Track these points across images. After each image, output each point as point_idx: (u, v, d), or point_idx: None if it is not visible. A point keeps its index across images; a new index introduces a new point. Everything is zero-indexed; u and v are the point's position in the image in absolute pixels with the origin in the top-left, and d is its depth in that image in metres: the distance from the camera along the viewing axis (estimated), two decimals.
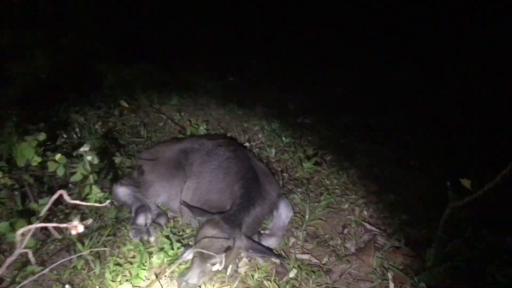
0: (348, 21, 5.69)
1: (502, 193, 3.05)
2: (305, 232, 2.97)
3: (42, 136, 2.20)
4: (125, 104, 4.06)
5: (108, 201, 1.92)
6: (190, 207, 2.88)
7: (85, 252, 2.70)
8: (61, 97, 4.02)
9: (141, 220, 3.00)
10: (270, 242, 2.87)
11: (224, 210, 2.90)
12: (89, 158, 2.14)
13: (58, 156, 2.17)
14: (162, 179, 3.19)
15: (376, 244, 2.81)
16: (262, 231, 2.95)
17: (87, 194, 2.35)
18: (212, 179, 3.08)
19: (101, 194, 2.34)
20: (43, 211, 1.92)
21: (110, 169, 2.98)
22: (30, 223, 2.14)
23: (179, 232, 3.01)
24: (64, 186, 3.04)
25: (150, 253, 2.82)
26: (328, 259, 2.77)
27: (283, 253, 2.83)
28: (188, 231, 3.01)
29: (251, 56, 5.20)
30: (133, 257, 2.83)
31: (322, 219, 3.06)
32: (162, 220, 3.09)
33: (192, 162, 3.23)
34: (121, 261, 2.79)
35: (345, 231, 2.99)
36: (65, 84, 4.05)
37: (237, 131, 4.00)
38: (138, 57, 4.72)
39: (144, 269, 2.72)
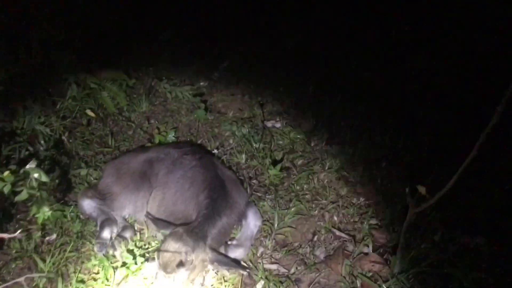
0: (317, 18, 5.64)
1: (469, 191, 3.04)
2: (274, 240, 2.91)
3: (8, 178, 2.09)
4: (91, 114, 3.95)
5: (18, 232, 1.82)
6: (154, 219, 2.81)
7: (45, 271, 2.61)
8: (24, 109, 3.89)
9: (106, 233, 2.91)
10: (238, 253, 2.80)
11: (189, 221, 2.84)
12: (35, 175, 2.05)
13: (6, 174, 2.07)
14: (127, 190, 3.10)
15: (345, 251, 2.76)
16: (229, 242, 2.88)
17: (35, 214, 2.25)
18: (177, 189, 3.00)
19: (50, 212, 2.24)
20: None
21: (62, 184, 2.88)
22: None
23: (144, 245, 2.93)
24: (12, 204, 2.93)
25: (115, 268, 2.75)
26: (297, 268, 2.71)
27: (251, 264, 2.76)
28: (153, 244, 2.93)
29: (220, 59, 5.11)
30: (97, 272, 2.74)
31: (291, 227, 3.00)
32: (127, 233, 3.01)
33: (158, 172, 3.15)
34: (85, 277, 2.71)
35: (315, 238, 2.94)
36: (28, 95, 3.92)
37: (207, 138, 3.92)
38: (104, 64, 4.60)
39: (108, 285, 2.64)
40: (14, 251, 2.77)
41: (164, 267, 2.49)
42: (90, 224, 3.08)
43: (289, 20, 5.66)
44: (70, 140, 3.87)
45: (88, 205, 3.11)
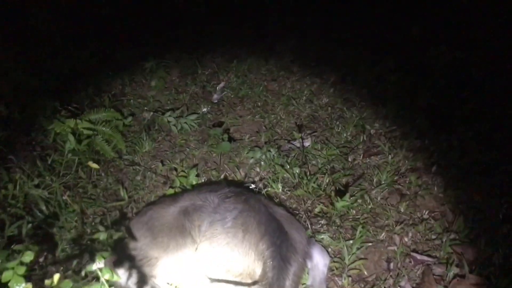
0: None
1: None
2: (349, 278, 2.59)
3: (30, 257, 1.62)
4: (94, 166, 3.44)
5: None
6: (213, 281, 2.41)
7: None
8: (12, 174, 3.34)
9: None
10: None
11: (253, 276, 2.47)
12: (106, 277, 1.60)
13: (56, 277, 1.61)
14: (167, 252, 2.66)
15: (434, 276, 2.49)
16: None
17: None
18: (229, 241, 2.60)
19: None
20: None
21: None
22: None
23: None
24: None
25: None
26: None
27: None
28: None
29: (214, 80, 4.72)
30: None
31: (362, 258, 2.69)
32: None
33: (199, 223, 2.73)
34: None
35: (391, 266, 2.65)
36: (11, 154, 3.36)
37: (230, 169, 3.53)
38: (90, 105, 4.10)
39: None
40: None
41: None
42: None
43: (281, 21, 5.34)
44: (75, 200, 3.36)
45: (122, 276, 2.66)
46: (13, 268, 1.57)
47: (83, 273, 1.63)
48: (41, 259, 2.74)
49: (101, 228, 3.05)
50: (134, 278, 2.64)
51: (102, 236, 3.02)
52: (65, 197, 3.40)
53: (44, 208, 3.24)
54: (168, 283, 2.65)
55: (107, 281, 1.60)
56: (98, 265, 1.63)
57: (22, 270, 1.57)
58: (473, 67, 4.33)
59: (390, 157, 3.35)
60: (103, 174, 3.62)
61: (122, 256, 2.74)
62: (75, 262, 2.49)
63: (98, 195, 3.43)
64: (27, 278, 1.59)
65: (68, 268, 2.54)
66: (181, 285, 2.69)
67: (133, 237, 2.80)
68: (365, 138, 3.60)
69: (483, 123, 3.65)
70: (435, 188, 3.07)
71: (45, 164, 3.56)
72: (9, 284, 1.56)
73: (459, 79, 4.23)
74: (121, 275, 2.64)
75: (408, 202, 2.99)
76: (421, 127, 3.64)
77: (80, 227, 3.15)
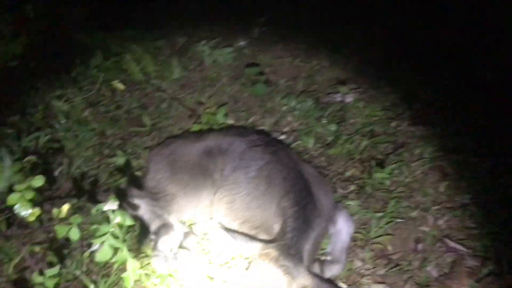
0: None
1: None
2: (372, 252, 2.41)
3: (40, 181, 1.46)
4: (120, 86, 3.23)
5: None
6: (229, 231, 2.25)
7: None
8: (35, 83, 3.16)
9: (165, 244, 2.37)
10: (335, 271, 2.31)
11: (270, 232, 2.31)
12: (117, 220, 1.43)
13: (64, 208, 1.45)
14: (186, 190, 2.52)
15: (466, 268, 2.29)
16: (322, 257, 2.37)
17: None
18: (250, 192, 2.42)
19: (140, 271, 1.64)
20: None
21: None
22: None
23: (214, 259, 2.39)
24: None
25: None
26: None
27: (351, 283, 2.28)
28: (227, 258, 2.39)
29: (258, 11, 4.28)
30: None
31: (389, 234, 2.49)
32: (190, 243, 2.47)
33: (223, 167, 2.55)
34: None
35: (419, 247, 2.45)
36: (39, 64, 3.15)
37: (260, 114, 3.29)
38: (124, 20, 3.80)
39: None
40: None
41: None
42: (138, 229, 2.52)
43: None
44: (94, 117, 3.20)
45: (137, 205, 2.55)
46: (20, 191, 1.41)
47: (93, 211, 1.48)
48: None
49: (119, 152, 2.91)
50: (147, 211, 2.53)
51: (119, 161, 2.90)
52: (85, 113, 3.26)
53: (63, 121, 3.10)
54: (181, 222, 2.53)
55: (119, 225, 1.44)
56: (110, 206, 1.47)
57: (30, 195, 1.42)
58: None
59: (438, 129, 3.03)
60: (127, 96, 3.42)
61: (137, 185, 2.62)
62: (85, 196, 2.35)
63: (120, 118, 3.26)
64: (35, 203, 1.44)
65: (80, 199, 2.40)
66: (189, 222, 2.58)
67: (151, 169, 2.65)
68: (414, 104, 3.25)
69: None
70: (483, 173, 2.77)
71: (69, 76, 3.37)
72: (15, 208, 1.41)
73: None
74: (135, 205, 2.54)
75: (450, 183, 2.73)
76: (483, 103, 3.26)
77: (98, 148, 3.02)
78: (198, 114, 3.21)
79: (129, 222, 1.55)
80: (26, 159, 2.13)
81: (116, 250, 1.48)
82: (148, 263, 2.30)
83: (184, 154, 2.62)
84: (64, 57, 3.39)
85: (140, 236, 2.33)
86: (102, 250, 1.45)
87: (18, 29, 3.25)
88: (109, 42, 3.49)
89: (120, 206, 1.53)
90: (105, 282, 2.09)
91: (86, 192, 2.39)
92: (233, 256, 2.39)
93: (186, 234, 2.50)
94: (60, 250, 2.02)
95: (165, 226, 2.44)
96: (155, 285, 2.24)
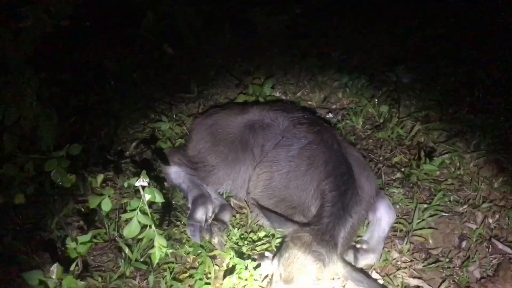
0: None
1: None
2: (411, 244, 2.31)
3: (77, 149, 1.50)
4: (169, 50, 3.22)
5: None
6: (264, 210, 2.23)
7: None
8: (86, 43, 3.20)
9: (200, 214, 2.40)
10: (369, 260, 2.24)
11: (306, 214, 2.26)
12: (148, 197, 1.44)
13: (99, 178, 1.48)
14: (225, 163, 2.52)
15: None
16: (357, 245, 2.30)
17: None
18: (290, 170, 2.37)
19: (166, 248, 1.66)
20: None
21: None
22: None
23: (249, 235, 2.39)
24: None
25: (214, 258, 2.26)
26: None
27: (385, 274, 2.21)
28: (260, 235, 2.39)
29: None
30: (192, 266, 2.25)
31: (432, 227, 2.37)
32: (226, 216, 2.48)
33: (263, 143, 2.50)
34: (178, 268, 2.22)
35: (463, 245, 2.31)
36: (91, 25, 3.17)
37: (310, 88, 3.17)
38: None
39: (208, 284, 2.17)
40: None
41: (286, 280, 1.99)
42: (177, 197, 2.57)
43: None
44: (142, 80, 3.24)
45: (175, 173, 2.60)
46: (57, 159, 1.44)
47: (125, 184, 1.50)
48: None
49: (164, 118, 2.95)
50: (186, 180, 2.56)
51: (164, 126, 2.94)
52: (134, 76, 3.29)
53: (112, 82, 3.15)
54: (218, 193, 2.55)
55: (149, 202, 1.45)
56: (141, 182, 1.47)
57: (66, 163, 1.45)
58: None
59: (502, 119, 2.79)
60: (177, 60, 3.40)
61: (178, 153, 2.64)
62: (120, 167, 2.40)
63: (168, 82, 3.28)
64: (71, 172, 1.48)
65: (117, 170, 2.45)
66: (226, 195, 2.58)
67: (193, 138, 2.66)
68: (477, 90, 3.00)
69: None
70: None
71: (120, 37, 3.39)
72: (52, 174, 1.45)
73: None
74: (173, 172, 2.58)
75: (506, 179, 2.53)
76: None
77: (144, 111, 3.06)
78: (245, 84, 3.15)
79: (159, 199, 1.56)
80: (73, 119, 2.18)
81: (144, 226, 1.51)
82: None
83: (226, 126, 2.59)
84: (116, 18, 3.39)
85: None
86: (131, 226, 1.48)
87: None
88: (161, 6, 3.43)
89: (150, 183, 1.53)
90: (139, 246, 2.17)
91: (121, 163, 2.42)
92: (266, 233, 2.37)
93: (222, 207, 2.51)
94: (93, 216, 2.10)
95: (202, 197, 2.47)
96: (186, 253, 2.29)
